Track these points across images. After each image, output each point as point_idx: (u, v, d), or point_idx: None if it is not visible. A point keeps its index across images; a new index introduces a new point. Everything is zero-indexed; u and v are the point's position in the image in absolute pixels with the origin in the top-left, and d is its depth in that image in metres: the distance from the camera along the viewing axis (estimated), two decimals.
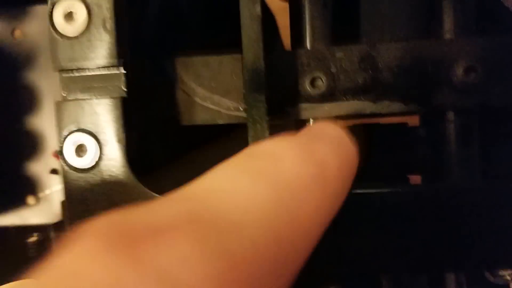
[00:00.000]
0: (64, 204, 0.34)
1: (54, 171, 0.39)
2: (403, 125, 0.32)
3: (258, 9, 0.23)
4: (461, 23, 0.26)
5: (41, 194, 0.43)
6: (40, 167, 0.43)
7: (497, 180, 0.26)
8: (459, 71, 0.26)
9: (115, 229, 0.10)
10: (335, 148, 0.16)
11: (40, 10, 0.44)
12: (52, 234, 0.38)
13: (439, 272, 0.26)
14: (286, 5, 0.31)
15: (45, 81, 0.45)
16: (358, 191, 0.24)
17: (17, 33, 0.45)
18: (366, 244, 0.24)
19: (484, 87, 0.26)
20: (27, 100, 0.45)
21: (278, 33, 0.34)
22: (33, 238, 0.39)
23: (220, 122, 0.27)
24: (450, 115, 0.27)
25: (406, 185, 0.31)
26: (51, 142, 0.44)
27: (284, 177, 0.13)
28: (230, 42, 0.26)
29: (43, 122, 0.44)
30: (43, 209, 0.43)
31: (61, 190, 0.38)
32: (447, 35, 0.26)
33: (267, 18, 0.27)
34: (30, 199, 0.43)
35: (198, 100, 0.27)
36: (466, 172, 0.26)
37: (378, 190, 0.25)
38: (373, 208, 0.24)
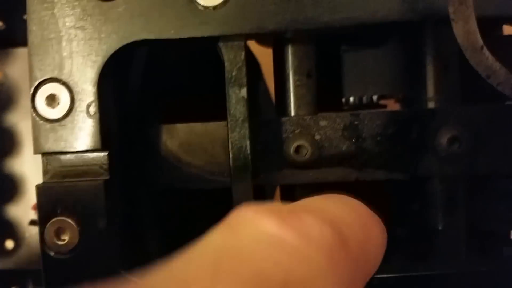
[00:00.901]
0: None
1: (33, 222, 0.38)
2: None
3: (244, 92, 0.24)
4: (445, 91, 0.27)
5: (20, 239, 0.42)
6: (20, 212, 0.42)
7: (482, 257, 0.26)
8: (443, 140, 0.26)
9: None
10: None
11: (21, 52, 0.44)
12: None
13: None
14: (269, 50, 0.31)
15: (26, 123, 0.44)
16: None
17: None
18: None
19: (468, 156, 0.26)
20: (7, 143, 0.45)
21: (262, 77, 0.34)
22: None
23: (204, 187, 0.27)
24: (436, 183, 0.27)
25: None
26: (31, 185, 0.43)
27: None
28: (214, 107, 0.26)
29: (24, 165, 0.44)
30: (22, 254, 0.42)
31: None
32: (431, 103, 0.27)
33: (251, 63, 0.27)
34: (9, 243, 0.43)
35: (182, 166, 0.27)
36: (451, 240, 0.26)
37: None
38: None
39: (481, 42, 0.21)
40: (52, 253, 0.22)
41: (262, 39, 0.29)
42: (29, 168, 0.43)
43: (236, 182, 0.25)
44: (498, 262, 0.26)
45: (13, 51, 0.44)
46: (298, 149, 0.26)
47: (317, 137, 0.26)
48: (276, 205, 0.16)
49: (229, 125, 0.24)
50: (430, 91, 0.27)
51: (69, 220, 0.22)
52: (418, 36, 0.27)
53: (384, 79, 0.29)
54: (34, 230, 0.41)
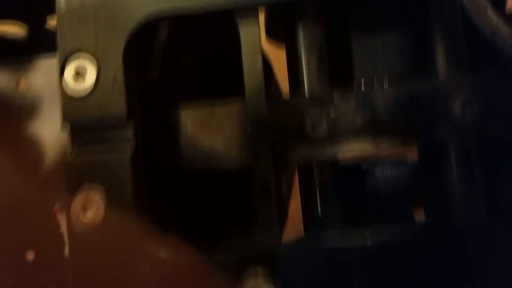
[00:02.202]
0: None
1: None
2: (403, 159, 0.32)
3: (259, 65, 0.25)
4: (454, 62, 0.27)
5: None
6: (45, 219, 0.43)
7: (502, 216, 0.26)
8: (455, 107, 0.26)
9: None
10: None
11: (45, 61, 0.45)
12: None
13: None
14: (282, 51, 0.32)
15: (49, 132, 0.45)
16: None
17: (22, 84, 0.46)
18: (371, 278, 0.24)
19: (480, 120, 0.26)
20: (30, 151, 0.46)
21: (274, 78, 0.35)
22: None
23: (224, 169, 0.28)
24: (450, 150, 0.27)
25: (411, 222, 0.31)
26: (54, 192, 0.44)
27: None
28: (232, 91, 0.27)
29: (46, 172, 0.45)
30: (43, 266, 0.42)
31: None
32: (441, 75, 0.27)
33: (264, 64, 0.28)
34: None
35: (202, 147, 0.28)
36: (471, 207, 0.26)
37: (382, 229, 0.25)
38: (379, 246, 0.24)
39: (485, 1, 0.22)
40: (77, 229, 0.23)
41: (276, 15, 0.30)
42: (51, 178, 0.44)
43: (256, 154, 0.25)
44: None
45: (36, 60, 0.45)
46: (314, 126, 0.27)
47: (332, 114, 0.27)
48: None
49: (246, 99, 0.25)
50: (440, 63, 0.27)
51: (96, 195, 0.22)
52: (424, 13, 0.27)
53: (394, 59, 0.29)
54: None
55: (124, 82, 0.23)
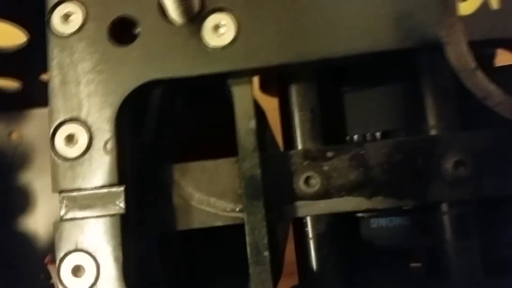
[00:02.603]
0: None
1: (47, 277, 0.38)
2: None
3: (252, 124, 0.25)
4: (445, 119, 0.28)
5: None
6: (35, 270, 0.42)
7: (498, 277, 0.26)
8: (448, 165, 0.26)
9: None
10: None
11: (37, 113, 0.45)
12: None
13: None
14: (275, 102, 0.32)
15: (40, 182, 0.45)
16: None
17: (14, 135, 0.46)
18: None
19: (474, 179, 0.26)
20: (21, 201, 0.45)
21: (269, 128, 0.35)
22: None
23: (217, 224, 0.27)
24: (445, 207, 0.27)
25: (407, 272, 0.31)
26: (43, 243, 0.44)
27: None
28: (225, 147, 0.27)
29: (37, 223, 0.44)
30: None
31: None
32: (433, 131, 0.28)
33: (259, 114, 0.28)
34: None
35: (194, 204, 0.27)
36: (466, 266, 0.26)
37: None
38: None
39: (474, 63, 0.22)
40: None
41: (267, 75, 0.30)
42: (42, 225, 0.43)
43: (249, 213, 0.25)
44: None
45: (30, 112, 0.45)
46: (307, 180, 0.27)
47: (325, 168, 0.27)
48: None
49: (239, 156, 0.25)
50: (431, 119, 0.28)
51: (86, 257, 0.22)
52: (416, 69, 0.28)
53: (386, 115, 0.30)
54: None
55: (116, 146, 0.23)
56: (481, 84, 0.23)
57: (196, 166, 0.28)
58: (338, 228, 0.29)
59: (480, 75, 0.23)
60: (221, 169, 0.28)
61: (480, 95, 0.23)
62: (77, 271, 0.22)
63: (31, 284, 0.43)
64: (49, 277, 0.37)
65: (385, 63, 0.28)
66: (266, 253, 0.24)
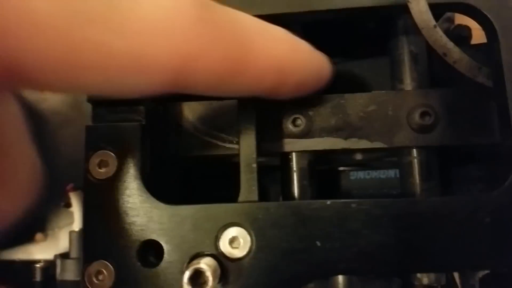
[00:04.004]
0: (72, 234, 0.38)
1: (67, 205, 0.42)
2: None
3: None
4: (417, 78, 0.33)
5: (49, 231, 0.46)
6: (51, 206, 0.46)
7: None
8: (415, 115, 0.31)
9: None
10: None
11: None
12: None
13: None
14: None
15: None
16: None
17: None
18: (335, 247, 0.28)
19: (436, 129, 0.31)
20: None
21: None
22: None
23: (217, 153, 0.33)
24: (413, 152, 0.32)
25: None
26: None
27: None
28: None
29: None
30: (50, 246, 0.46)
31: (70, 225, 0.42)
32: (406, 88, 0.33)
33: None
34: (38, 236, 0.46)
35: (199, 135, 0.33)
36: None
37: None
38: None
39: (433, 21, 0.27)
40: (94, 180, 0.28)
41: None
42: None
43: (243, 139, 0.30)
44: None
45: None
46: (294, 121, 0.32)
47: (310, 112, 0.32)
48: None
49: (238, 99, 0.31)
50: (406, 79, 0.33)
51: (110, 154, 0.27)
52: (393, 36, 0.33)
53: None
54: (63, 222, 0.44)
55: None
56: (441, 41, 0.28)
57: (203, 105, 0.33)
58: (316, 165, 0.34)
59: (439, 32, 0.28)
60: (224, 108, 0.33)
61: (440, 51, 0.28)
62: (101, 165, 0.28)
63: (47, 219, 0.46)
64: (69, 205, 0.41)
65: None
66: (255, 165, 0.29)
